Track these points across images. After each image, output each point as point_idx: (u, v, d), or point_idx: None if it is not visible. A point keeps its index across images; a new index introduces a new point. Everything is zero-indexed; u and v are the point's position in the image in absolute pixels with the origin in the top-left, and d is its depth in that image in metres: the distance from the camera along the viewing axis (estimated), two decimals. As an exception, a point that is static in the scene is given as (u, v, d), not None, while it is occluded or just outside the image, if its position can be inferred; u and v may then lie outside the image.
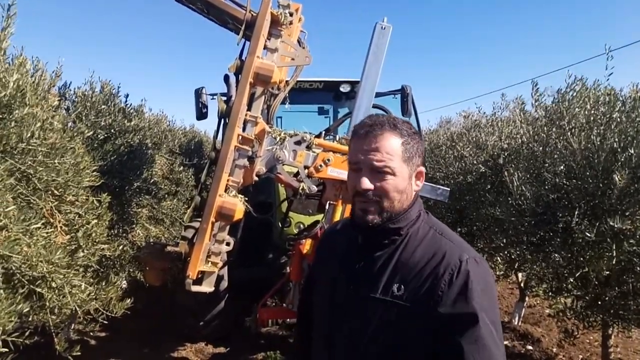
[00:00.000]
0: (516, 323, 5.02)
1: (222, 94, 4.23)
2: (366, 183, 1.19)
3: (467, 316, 1.09)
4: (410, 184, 1.24)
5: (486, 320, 1.09)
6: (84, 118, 3.46)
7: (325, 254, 1.51)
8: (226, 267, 3.80)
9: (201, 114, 4.98)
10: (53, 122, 2.37)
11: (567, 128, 3.08)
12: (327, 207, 3.09)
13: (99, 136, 3.56)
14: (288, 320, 3.56)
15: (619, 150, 2.68)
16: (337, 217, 2.97)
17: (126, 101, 4.10)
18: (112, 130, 3.80)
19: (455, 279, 1.12)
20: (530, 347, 4.51)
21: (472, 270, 1.13)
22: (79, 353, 2.40)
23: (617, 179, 2.58)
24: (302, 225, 4.19)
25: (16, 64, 2.24)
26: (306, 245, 3.11)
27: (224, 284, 4.03)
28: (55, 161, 2.30)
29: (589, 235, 2.70)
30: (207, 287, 2.76)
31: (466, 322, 1.09)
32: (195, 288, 2.67)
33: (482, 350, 1.08)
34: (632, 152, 2.60)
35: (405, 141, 1.21)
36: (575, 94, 3.26)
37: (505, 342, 4.59)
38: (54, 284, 2.22)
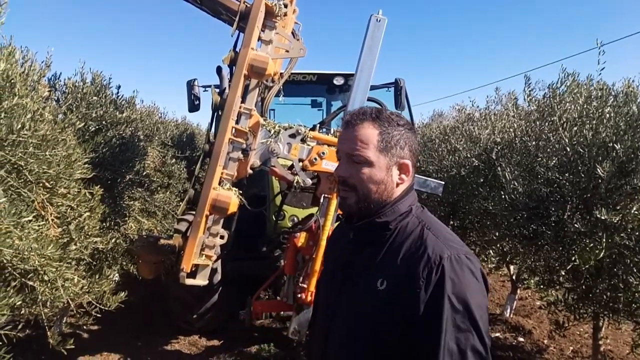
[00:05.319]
0: (508, 315, 5.08)
1: (216, 86, 4.20)
2: (341, 171, 1.22)
3: (436, 315, 1.05)
4: (390, 175, 1.21)
5: (456, 320, 1.04)
6: (74, 110, 3.42)
7: (331, 250, 1.55)
8: (220, 260, 3.79)
9: (193, 106, 4.95)
10: (44, 114, 2.34)
11: (558, 123, 3.10)
12: (321, 200, 3.08)
13: (90, 128, 3.52)
14: (282, 313, 3.56)
15: (610, 145, 2.70)
16: (332, 211, 2.96)
17: (118, 93, 4.06)
18: (104, 122, 3.75)
19: (433, 276, 1.08)
20: (521, 339, 4.56)
21: (453, 267, 1.08)
22: (72, 347, 2.39)
23: (600, 172, 2.61)
24: (295, 219, 4.18)
25: (4, 53, 2.20)
26: (301, 238, 3.10)
27: (218, 276, 4.02)
28: (47, 153, 2.28)
29: (577, 226, 2.73)
30: (201, 280, 2.75)
31: (434, 320, 1.05)
32: (189, 281, 2.66)
33: (441, 347, 1.04)
34: (619, 146, 2.62)
35: (384, 131, 1.20)
36: (566, 89, 3.28)
37: (497, 334, 4.64)
38: (46, 277, 2.20)
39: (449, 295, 1.06)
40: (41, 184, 2.33)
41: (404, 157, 1.23)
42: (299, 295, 2.99)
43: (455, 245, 1.15)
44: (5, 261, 1.98)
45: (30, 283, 2.17)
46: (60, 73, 3.54)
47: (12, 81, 2.12)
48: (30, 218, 2.10)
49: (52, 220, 2.39)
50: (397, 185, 1.24)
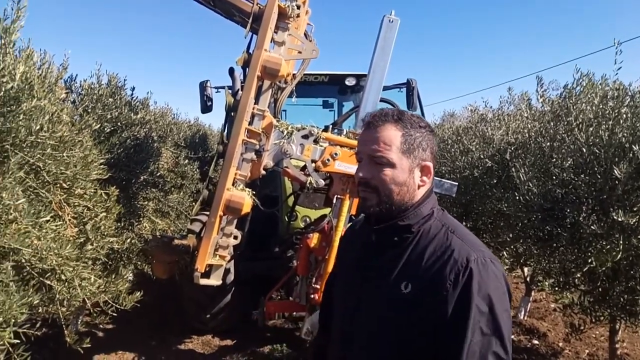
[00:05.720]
0: (522, 317, 5.02)
1: (229, 88, 4.23)
2: (363, 172, 1.20)
3: (463, 317, 1.06)
4: (412, 177, 1.21)
5: (480, 323, 1.05)
6: (90, 111, 3.46)
7: (345, 251, 1.52)
8: (233, 261, 3.81)
9: (206, 107, 4.98)
10: (61, 115, 2.38)
11: (574, 124, 3.06)
12: (334, 201, 3.08)
13: (105, 129, 3.56)
14: (295, 313, 3.57)
15: (627, 145, 2.66)
16: (345, 212, 2.96)
17: (132, 94, 4.10)
18: (119, 124, 3.80)
19: (460, 279, 1.08)
20: (536, 342, 4.51)
21: (479, 270, 1.09)
22: (88, 345, 2.42)
23: (617, 173, 2.58)
24: (308, 219, 4.19)
25: (23, 56, 2.23)
26: (313, 239, 3.10)
27: (231, 277, 4.04)
28: (64, 154, 2.31)
29: (593, 228, 2.70)
30: (215, 280, 2.77)
31: (461, 322, 1.06)
32: (203, 281, 2.68)
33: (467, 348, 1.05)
34: (637, 147, 2.58)
35: (406, 133, 1.19)
36: (582, 89, 3.24)
37: (511, 337, 4.60)
38: (63, 277, 2.24)
39: (476, 298, 1.06)
40: (59, 185, 2.36)
41: (425, 159, 1.22)
42: (312, 296, 3.00)
43: (481, 249, 1.16)
44: (24, 260, 2.02)
45: (48, 282, 2.21)
46: (77, 75, 3.60)
47: (31, 83, 2.15)
48: (48, 218, 2.13)
49: (69, 220, 2.42)
50: (419, 187, 1.23)
